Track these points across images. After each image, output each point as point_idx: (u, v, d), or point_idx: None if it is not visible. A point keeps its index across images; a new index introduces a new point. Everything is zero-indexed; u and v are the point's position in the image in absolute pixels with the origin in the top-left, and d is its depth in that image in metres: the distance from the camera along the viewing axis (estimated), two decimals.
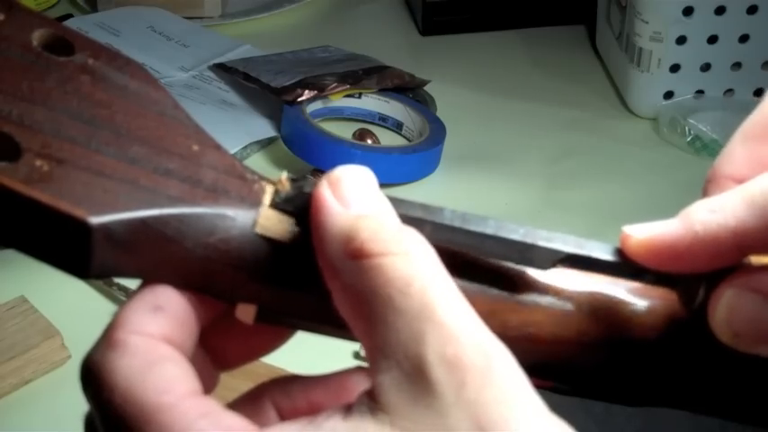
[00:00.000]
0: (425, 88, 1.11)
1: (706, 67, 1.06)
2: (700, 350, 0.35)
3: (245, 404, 0.38)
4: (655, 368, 0.36)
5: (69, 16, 1.27)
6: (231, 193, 0.35)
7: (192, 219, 0.34)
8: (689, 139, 1.03)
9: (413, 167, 0.99)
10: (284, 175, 0.36)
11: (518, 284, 0.36)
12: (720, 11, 1.03)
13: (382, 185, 0.34)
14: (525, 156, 1.04)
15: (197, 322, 0.35)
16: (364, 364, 0.36)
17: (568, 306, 0.36)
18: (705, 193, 0.37)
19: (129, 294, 0.35)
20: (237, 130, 1.04)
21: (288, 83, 1.04)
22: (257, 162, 1.03)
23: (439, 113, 1.07)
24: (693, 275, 0.35)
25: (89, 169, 0.33)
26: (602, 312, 0.36)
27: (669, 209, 0.35)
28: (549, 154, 1.05)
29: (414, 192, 0.97)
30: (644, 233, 0.35)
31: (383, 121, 1.08)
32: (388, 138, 1.06)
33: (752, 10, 1.04)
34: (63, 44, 0.36)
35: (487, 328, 0.32)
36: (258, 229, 0.35)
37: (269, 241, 0.35)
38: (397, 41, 1.24)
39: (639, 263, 0.35)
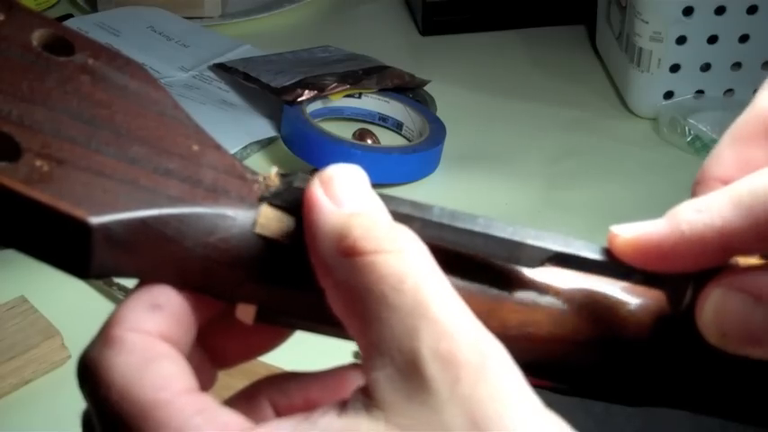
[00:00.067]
0: (425, 88, 1.11)
1: (706, 67, 1.06)
2: (692, 350, 0.35)
3: (242, 401, 0.38)
4: (650, 368, 0.36)
5: (69, 16, 1.27)
6: (231, 193, 0.35)
7: (192, 219, 0.34)
8: (689, 139, 1.03)
9: (413, 167, 1.00)
10: (274, 171, 0.36)
11: (516, 283, 0.36)
12: (720, 11, 1.03)
13: (382, 185, 0.34)
14: (525, 156, 1.04)
15: (195, 321, 0.35)
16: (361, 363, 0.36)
17: (566, 305, 0.36)
18: (694, 194, 0.37)
19: (128, 293, 0.35)
20: (237, 130, 1.04)
21: (288, 83, 1.04)
22: (257, 162, 1.03)
23: (439, 113, 1.07)
24: (681, 276, 0.35)
25: (89, 169, 0.33)
26: (599, 311, 0.36)
27: (669, 209, 0.35)
28: (549, 154, 1.05)
29: (414, 192, 0.97)
30: (631, 233, 0.35)
31: (383, 121, 1.08)
32: (388, 138, 1.06)
33: (752, 10, 1.04)
34: (63, 44, 0.36)
35: (482, 326, 0.32)
36: (258, 229, 0.35)
37: (269, 241, 0.35)
38: (397, 41, 1.24)
39: (627, 262, 0.35)
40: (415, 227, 0.34)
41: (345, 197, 0.33)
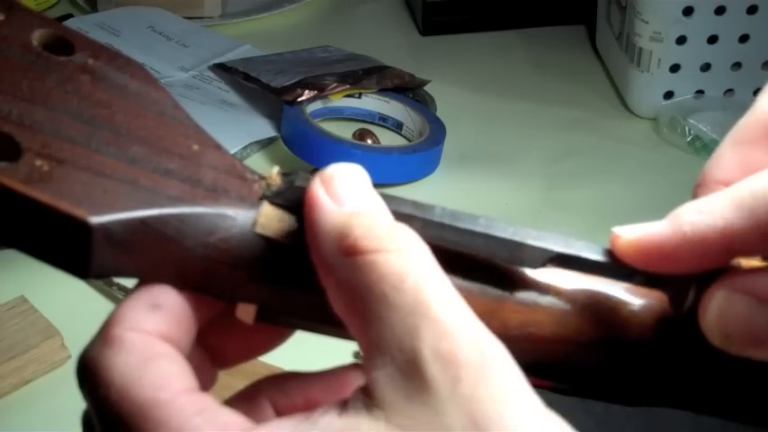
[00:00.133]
0: (425, 88, 1.11)
1: (706, 67, 1.06)
2: (694, 351, 0.35)
3: (242, 401, 0.38)
4: (652, 368, 0.36)
5: (69, 16, 1.27)
6: (231, 193, 0.35)
7: (192, 218, 0.34)
8: (689, 139, 1.03)
9: (413, 167, 0.99)
10: (275, 170, 0.36)
11: (518, 284, 0.36)
12: (720, 11, 1.03)
13: (382, 185, 0.34)
14: (525, 156, 1.04)
15: (195, 320, 0.35)
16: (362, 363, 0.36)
17: (568, 306, 0.36)
18: (695, 196, 0.37)
19: (128, 293, 0.35)
20: (237, 130, 1.04)
21: (288, 83, 1.04)
22: (257, 162, 1.03)
23: (439, 113, 1.07)
24: (683, 277, 0.35)
25: (89, 169, 0.33)
26: (601, 312, 0.36)
27: (669, 209, 0.35)
28: (549, 154, 1.05)
29: (414, 192, 0.97)
30: (633, 234, 0.35)
31: (383, 121, 1.08)
32: (388, 138, 1.06)
33: (752, 10, 1.04)
34: (63, 44, 0.36)
35: (483, 325, 0.32)
36: (258, 229, 0.35)
37: (269, 241, 0.35)
38: (397, 41, 1.24)
39: (629, 263, 0.35)
40: (417, 227, 0.34)
41: (346, 196, 0.33)
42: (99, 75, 0.36)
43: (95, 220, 0.32)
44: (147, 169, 0.34)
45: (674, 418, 0.45)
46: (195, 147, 0.35)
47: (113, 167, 0.33)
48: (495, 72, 1.18)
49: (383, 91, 1.08)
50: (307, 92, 1.03)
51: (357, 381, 0.37)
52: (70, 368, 0.77)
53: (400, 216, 0.34)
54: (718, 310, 0.34)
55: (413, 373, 0.30)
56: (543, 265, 0.35)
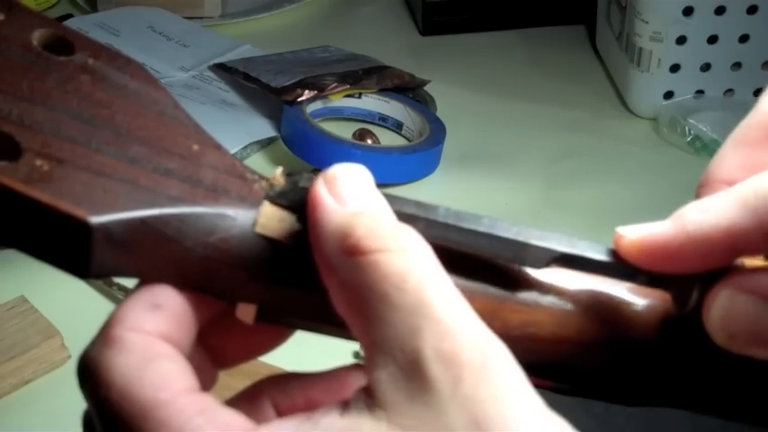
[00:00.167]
0: (425, 88, 1.11)
1: (706, 67, 1.06)
2: (698, 350, 0.35)
3: (243, 401, 0.38)
4: (654, 368, 0.36)
5: (69, 16, 1.27)
6: (231, 193, 0.35)
7: (193, 218, 0.34)
8: (689, 139, 1.03)
9: (413, 167, 1.00)
10: (279, 171, 0.36)
11: (519, 284, 0.36)
12: (720, 11, 1.03)
13: (382, 186, 0.34)
14: (525, 156, 1.04)
15: (195, 320, 0.35)
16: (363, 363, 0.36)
17: (569, 306, 0.36)
18: (698, 197, 0.37)
19: (129, 293, 0.35)
20: (237, 130, 1.04)
21: (288, 83, 1.04)
22: (257, 162, 1.03)
23: (439, 113, 1.07)
24: (687, 277, 0.35)
25: (89, 169, 0.33)
26: (604, 312, 0.36)
27: (669, 209, 0.35)
28: (549, 154, 1.05)
29: (414, 192, 0.97)
30: (637, 233, 0.35)
31: (383, 121, 1.08)
32: (388, 138, 1.06)
33: (752, 10, 1.04)
34: (63, 44, 0.36)
35: (485, 326, 0.32)
36: (258, 229, 0.35)
37: (269, 241, 0.35)
38: (397, 41, 1.24)
39: (632, 263, 0.35)
40: (420, 227, 0.34)
41: (349, 196, 0.33)
42: (99, 75, 0.36)
43: (95, 219, 0.32)
44: (147, 169, 0.34)
45: (674, 418, 0.45)
46: (195, 147, 0.35)
47: (113, 167, 0.33)
48: (495, 72, 1.18)
49: (383, 91, 1.08)
50: (307, 92, 1.03)
51: (358, 381, 0.37)
52: (70, 368, 0.78)
53: (403, 216, 0.34)
54: (723, 310, 0.34)
55: (415, 374, 0.30)
56: (547, 265, 0.35)
